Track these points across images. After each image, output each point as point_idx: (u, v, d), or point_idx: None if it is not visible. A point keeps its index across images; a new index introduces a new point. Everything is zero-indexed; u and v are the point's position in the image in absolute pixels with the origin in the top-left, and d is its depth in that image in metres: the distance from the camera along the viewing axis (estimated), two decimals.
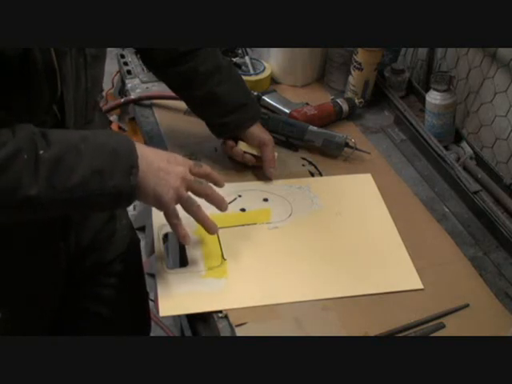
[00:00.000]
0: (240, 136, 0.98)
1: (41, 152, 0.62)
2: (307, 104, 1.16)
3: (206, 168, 0.78)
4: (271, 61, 1.26)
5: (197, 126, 1.03)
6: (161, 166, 0.72)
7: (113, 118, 2.04)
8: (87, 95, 0.75)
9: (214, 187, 0.80)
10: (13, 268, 0.80)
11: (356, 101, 1.18)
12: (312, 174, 1.03)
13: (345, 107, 1.16)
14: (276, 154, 0.99)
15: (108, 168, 0.66)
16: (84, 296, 0.97)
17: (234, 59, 1.26)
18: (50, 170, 0.63)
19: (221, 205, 0.79)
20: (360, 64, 1.16)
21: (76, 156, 0.65)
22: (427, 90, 1.13)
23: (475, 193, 0.98)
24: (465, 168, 1.06)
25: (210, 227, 0.78)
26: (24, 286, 0.83)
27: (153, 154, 0.72)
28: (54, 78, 0.65)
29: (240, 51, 1.29)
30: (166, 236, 0.88)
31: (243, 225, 0.90)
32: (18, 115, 0.65)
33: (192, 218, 0.77)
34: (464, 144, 1.12)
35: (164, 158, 0.73)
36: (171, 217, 0.75)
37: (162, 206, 0.73)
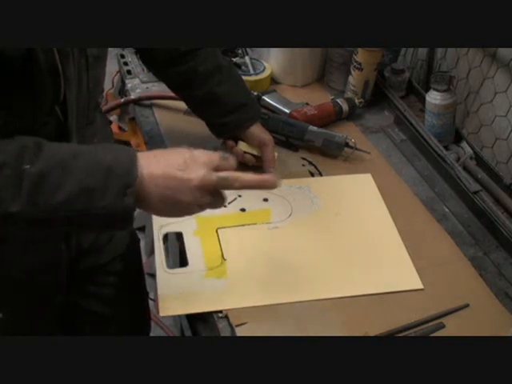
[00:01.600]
0: (240, 136, 0.98)
1: (26, 167, 0.58)
2: (307, 104, 1.16)
3: (232, 161, 0.68)
4: (271, 61, 1.26)
5: (197, 126, 1.03)
6: (169, 185, 0.63)
7: (113, 118, 2.03)
8: (89, 96, 0.75)
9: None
10: (14, 268, 0.80)
11: (356, 101, 1.18)
12: (312, 174, 1.03)
13: (345, 107, 1.16)
14: (276, 154, 0.99)
15: (100, 187, 0.60)
16: (84, 295, 0.97)
17: (234, 59, 1.26)
18: (34, 186, 0.58)
19: (264, 184, 0.70)
20: (360, 64, 1.16)
21: (63, 172, 0.60)
22: (427, 90, 1.13)
23: (475, 193, 0.98)
24: (465, 168, 1.06)
25: (267, 185, 0.70)
26: (25, 287, 0.83)
27: (161, 169, 0.64)
28: (57, 79, 0.65)
29: (240, 51, 1.29)
30: (166, 236, 0.88)
31: (243, 225, 0.90)
32: (21, 116, 0.65)
33: (192, 217, 0.77)
34: (464, 144, 1.12)
35: (174, 167, 0.64)
36: (214, 204, 0.69)
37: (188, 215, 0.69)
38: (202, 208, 0.67)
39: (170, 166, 0.64)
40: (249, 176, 0.67)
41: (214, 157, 0.66)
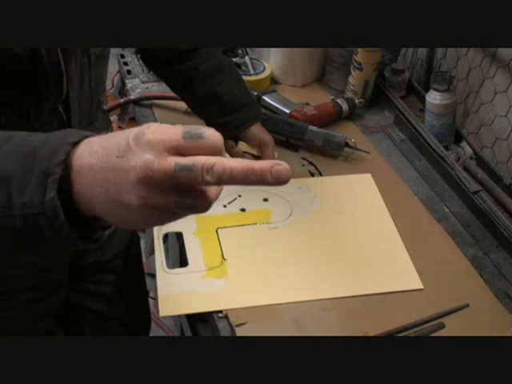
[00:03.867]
0: (240, 136, 0.98)
1: None
2: (307, 104, 1.16)
3: (210, 141, 0.41)
4: (271, 61, 1.26)
5: None
6: (108, 178, 0.42)
7: (113, 118, 2.03)
8: (91, 95, 0.75)
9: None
10: (15, 267, 0.80)
11: (356, 101, 1.18)
12: (312, 174, 1.03)
13: (345, 107, 1.16)
14: (276, 154, 0.99)
15: (17, 176, 0.43)
16: (84, 294, 0.97)
17: (234, 59, 1.26)
18: None
19: (251, 177, 0.41)
20: (360, 64, 1.16)
21: None
22: (427, 90, 1.13)
23: (475, 193, 0.98)
24: (465, 168, 1.06)
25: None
26: (25, 285, 0.83)
27: (100, 156, 0.42)
28: (60, 79, 0.65)
29: (240, 51, 1.29)
30: (166, 236, 0.88)
31: (243, 225, 0.90)
32: (25, 115, 0.65)
33: (192, 216, 0.76)
34: (464, 144, 1.12)
35: (113, 153, 0.42)
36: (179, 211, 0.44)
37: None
38: (166, 213, 0.43)
39: (109, 150, 0.42)
40: (238, 163, 0.41)
41: (173, 133, 0.42)
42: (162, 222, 0.45)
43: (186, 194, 0.42)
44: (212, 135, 0.41)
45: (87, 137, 0.44)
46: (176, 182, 0.41)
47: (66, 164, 0.43)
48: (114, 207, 0.43)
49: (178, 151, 0.41)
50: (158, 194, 0.41)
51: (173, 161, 0.40)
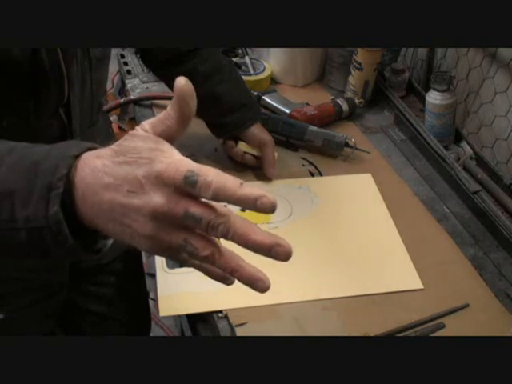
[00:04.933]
0: (240, 136, 0.98)
1: None
2: (307, 104, 1.16)
3: (210, 181, 0.41)
4: (271, 61, 1.26)
5: (197, 126, 1.02)
6: (115, 198, 0.42)
7: (113, 118, 2.04)
8: (92, 98, 0.75)
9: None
10: (15, 270, 0.80)
11: (356, 101, 1.18)
12: (312, 174, 1.03)
13: (345, 107, 1.16)
14: (276, 154, 0.99)
15: (21, 188, 0.44)
16: (84, 295, 0.97)
17: (234, 59, 1.26)
18: None
19: (250, 247, 0.45)
20: (360, 64, 1.16)
21: None
22: (427, 90, 1.13)
23: (475, 193, 0.98)
24: (465, 168, 1.06)
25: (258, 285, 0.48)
26: (26, 287, 0.83)
27: (102, 171, 0.42)
28: (61, 82, 0.65)
29: (240, 51, 1.30)
30: None
31: None
32: (26, 118, 0.65)
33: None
34: (464, 144, 1.12)
35: (121, 178, 0.42)
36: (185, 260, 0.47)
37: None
38: (170, 251, 0.44)
39: (117, 179, 0.42)
40: (244, 229, 0.44)
41: (178, 174, 0.41)
42: (164, 255, 0.46)
43: (191, 237, 0.43)
44: (211, 179, 0.41)
45: (89, 149, 0.45)
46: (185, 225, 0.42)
47: (69, 178, 0.43)
48: (119, 232, 0.44)
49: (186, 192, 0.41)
50: (166, 229, 0.42)
51: (183, 208, 0.41)
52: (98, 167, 0.43)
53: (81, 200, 0.43)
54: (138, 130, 0.44)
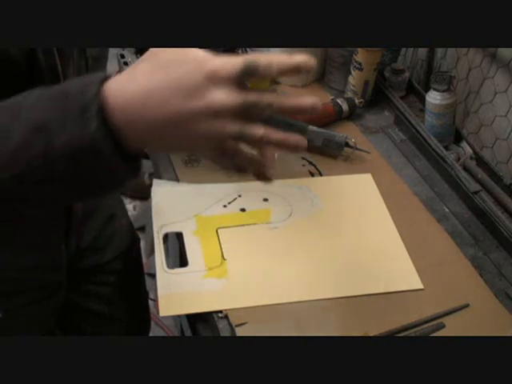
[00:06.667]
0: None
1: None
2: None
3: (271, 58, 0.48)
4: None
5: None
6: (170, 111, 0.44)
7: None
8: None
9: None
10: (14, 269, 0.80)
11: (356, 101, 1.18)
12: (312, 174, 1.03)
13: (345, 107, 1.16)
14: (276, 154, 0.98)
15: (55, 117, 0.44)
16: (84, 295, 0.97)
17: None
18: None
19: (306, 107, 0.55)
20: (360, 64, 1.16)
21: (11, 114, 0.46)
22: (427, 90, 1.13)
23: (475, 193, 0.98)
24: (465, 168, 1.06)
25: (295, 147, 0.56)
26: (25, 287, 0.83)
27: (146, 88, 0.44)
28: (57, 81, 0.65)
29: (240, 51, 1.29)
30: (166, 236, 0.88)
31: (243, 225, 0.90)
32: None
33: (192, 211, 0.72)
34: (464, 144, 1.12)
35: (175, 87, 0.44)
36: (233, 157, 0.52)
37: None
38: (224, 149, 0.49)
39: (169, 87, 0.45)
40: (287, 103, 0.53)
41: (232, 67, 0.45)
42: (217, 149, 0.49)
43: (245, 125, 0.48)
44: (266, 67, 0.46)
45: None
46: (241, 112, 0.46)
47: (101, 97, 0.44)
48: (178, 142, 0.46)
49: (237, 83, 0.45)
50: (227, 122, 0.46)
51: (241, 99, 0.45)
52: (140, 82, 0.44)
53: (123, 117, 0.44)
54: None
